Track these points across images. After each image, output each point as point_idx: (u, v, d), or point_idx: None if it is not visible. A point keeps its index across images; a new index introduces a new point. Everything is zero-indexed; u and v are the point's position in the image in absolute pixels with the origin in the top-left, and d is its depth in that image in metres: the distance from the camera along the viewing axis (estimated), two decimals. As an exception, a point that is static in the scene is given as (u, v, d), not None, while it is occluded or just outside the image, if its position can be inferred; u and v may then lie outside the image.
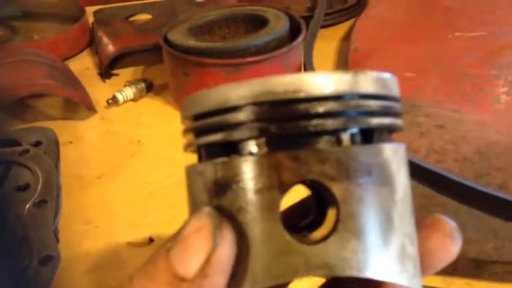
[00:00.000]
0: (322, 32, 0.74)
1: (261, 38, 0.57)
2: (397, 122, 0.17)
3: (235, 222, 0.15)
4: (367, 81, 0.16)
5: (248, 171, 0.15)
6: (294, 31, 0.61)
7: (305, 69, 0.59)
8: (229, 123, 0.16)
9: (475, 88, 0.54)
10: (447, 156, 0.45)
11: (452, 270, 0.40)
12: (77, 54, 0.78)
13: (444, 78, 0.56)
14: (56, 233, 0.42)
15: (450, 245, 0.18)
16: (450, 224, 0.18)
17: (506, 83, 0.54)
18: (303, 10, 0.85)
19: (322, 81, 0.15)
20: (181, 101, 0.18)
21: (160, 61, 0.63)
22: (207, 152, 0.17)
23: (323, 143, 0.15)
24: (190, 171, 0.18)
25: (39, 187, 0.43)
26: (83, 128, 0.61)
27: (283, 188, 0.15)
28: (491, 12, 0.70)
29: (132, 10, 0.84)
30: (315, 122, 0.15)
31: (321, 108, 0.15)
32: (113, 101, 0.63)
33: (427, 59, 0.60)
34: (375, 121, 0.16)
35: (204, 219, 0.15)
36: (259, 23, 0.62)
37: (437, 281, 0.39)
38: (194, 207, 0.17)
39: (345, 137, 0.16)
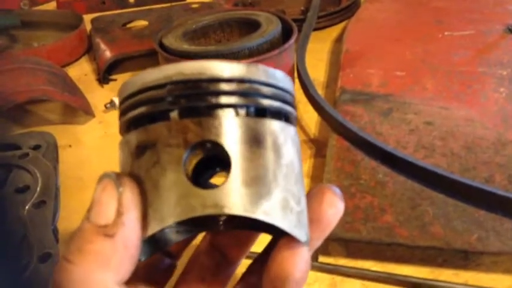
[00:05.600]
0: (316, 34, 0.76)
1: (254, 40, 0.58)
2: (287, 107, 0.21)
3: (148, 174, 0.19)
4: (258, 71, 0.20)
5: (162, 134, 0.19)
6: (287, 34, 0.62)
7: (297, 70, 0.60)
8: (149, 99, 0.20)
9: (464, 85, 0.55)
10: (435, 151, 0.46)
11: (441, 261, 0.40)
12: (76, 60, 0.80)
13: (433, 76, 0.57)
14: (55, 233, 0.43)
15: (337, 202, 0.22)
16: (334, 188, 0.22)
17: (494, 79, 0.56)
18: (297, 13, 0.87)
19: (222, 67, 0.19)
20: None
21: (156, 65, 0.65)
22: (135, 127, 0.20)
23: (223, 114, 0.19)
24: (120, 143, 0.21)
25: (38, 188, 0.45)
26: (82, 132, 0.62)
27: (188, 146, 0.19)
28: (479, 11, 0.71)
29: (129, 17, 0.85)
30: (214, 97, 0.19)
31: (218, 87, 0.19)
32: (111, 105, 0.65)
33: (416, 58, 0.61)
34: (264, 102, 0.20)
35: (105, 180, 0.19)
36: (252, 26, 0.63)
37: (426, 272, 0.40)
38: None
39: (241, 111, 0.19)
